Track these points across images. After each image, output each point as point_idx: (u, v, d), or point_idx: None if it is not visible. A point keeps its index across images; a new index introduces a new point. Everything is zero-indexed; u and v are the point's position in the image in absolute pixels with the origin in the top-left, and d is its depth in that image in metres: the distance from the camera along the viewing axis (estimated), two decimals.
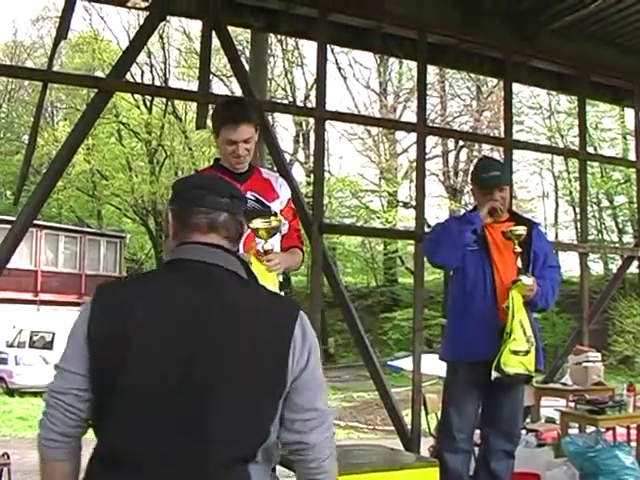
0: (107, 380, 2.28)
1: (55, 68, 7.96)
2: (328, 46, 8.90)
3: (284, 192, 4.81)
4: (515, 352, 5.05)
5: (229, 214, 2.59)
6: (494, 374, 5.04)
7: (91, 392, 2.32)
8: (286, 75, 40.27)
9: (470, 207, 5.95)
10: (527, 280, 5.13)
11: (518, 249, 5.21)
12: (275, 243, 4.58)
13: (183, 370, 2.27)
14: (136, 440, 2.24)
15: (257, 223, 4.27)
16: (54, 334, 26.40)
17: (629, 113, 22.07)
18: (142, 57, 39.03)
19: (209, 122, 6.60)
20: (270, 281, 4.26)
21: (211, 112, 5.20)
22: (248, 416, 2.33)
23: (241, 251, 4.46)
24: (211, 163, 4.98)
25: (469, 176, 7.73)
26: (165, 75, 42.09)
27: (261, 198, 4.64)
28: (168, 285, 2.41)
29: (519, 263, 5.22)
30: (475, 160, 37.93)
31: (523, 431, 7.53)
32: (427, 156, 30.65)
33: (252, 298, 2.46)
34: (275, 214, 4.56)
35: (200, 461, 2.24)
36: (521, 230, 5.23)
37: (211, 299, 2.36)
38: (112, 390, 2.26)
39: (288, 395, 2.41)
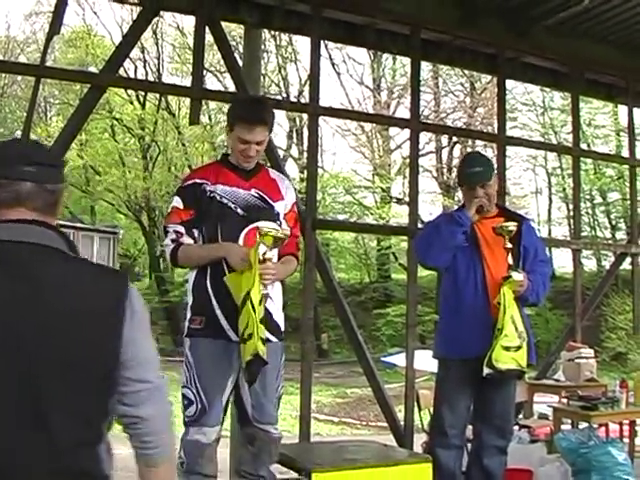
0: None
1: (48, 63, 7.95)
2: (322, 42, 8.90)
3: (290, 196, 4.85)
4: (507, 348, 5.06)
5: (35, 183, 2.38)
6: (486, 370, 5.05)
7: None
8: (280, 71, 40.19)
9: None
10: (518, 276, 5.13)
11: (509, 245, 5.22)
12: (274, 251, 4.61)
13: (11, 360, 2.20)
14: None
15: (267, 226, 4.29)
16: None
17: (622, 110, 22.04)
18: (136, 53, 38.89)
19: (203, 118, 6.60)
20: (257, 289, 4.30)
21: (229, 106, 5.21)
22: (85, 397, 2.27)
23: (241, 243, 4.49)
24: (208, 158, 5.02)
25: None
26: (159, 71, 41.97)
27: (265, 197, 4.66)
28: None
29: (510, 259, 5.23)
30: None
31: (516, 427, 7.55)
32: (420, 152, 30.56)
33: (74, 274, 2.35)
34: (276, 219, 4.60)
35: (44, 449, 2.19)
36: (512, 226, 5.24)
37: (23, 282, 2.24)
38: None
39: (120, 369, 2.34)
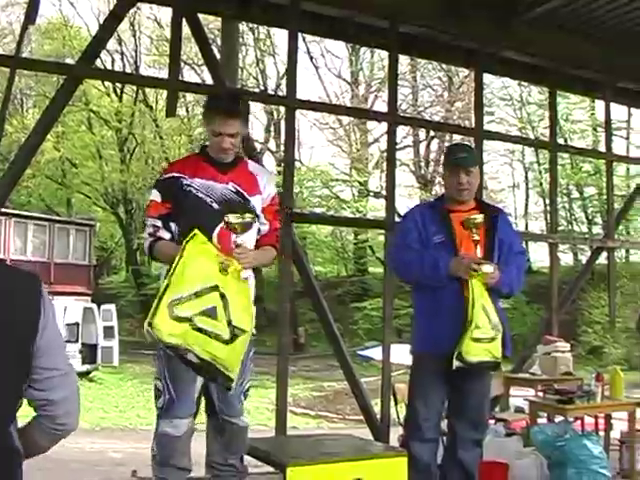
0: None
1: (25, 55, 7.90)
2: (300, 35, 8.87)
3: (268, 189, 4.82)
4: (478, 340, 5.04)
5: None
6: (456, 363, 5.03)
7: None
8: (258, 64, 40.19)
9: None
10: (488, 268, 5.12)
11: (476, 237, 5.20)
12: (249, 240, 4.59)
13: None
14: None
15: (231, 218, 4.32)
16: None
17: (600, 105, 22.15)
18: (113, 45, 38.87)
19: (180, 111, 6.57)
20: (246, 294, 4.30)
21: (205, 100, 5.21)
22: (2, 383, 2.45)
23: (215, 241, 4.46)
24: (185, 151, 5.00)
25: (440, 166, 7.78)
26: (136, 63, 41.89)
27: (241, 190, 4.65)
28: None
29: (479, 251, 5.21)
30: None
31: (492, 421, 7.56)
32: (398, 146, 30.67)
33: None
34: (250, 211, 4.57)
35: None
36: (479, 218, 5.22)
37: None
38: None
39: (33, 357, 2.50)
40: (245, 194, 4.66)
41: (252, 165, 4.93)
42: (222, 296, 4.23)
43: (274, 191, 4.90)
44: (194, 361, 4.21)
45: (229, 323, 4.23)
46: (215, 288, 4.23)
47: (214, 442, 4.68)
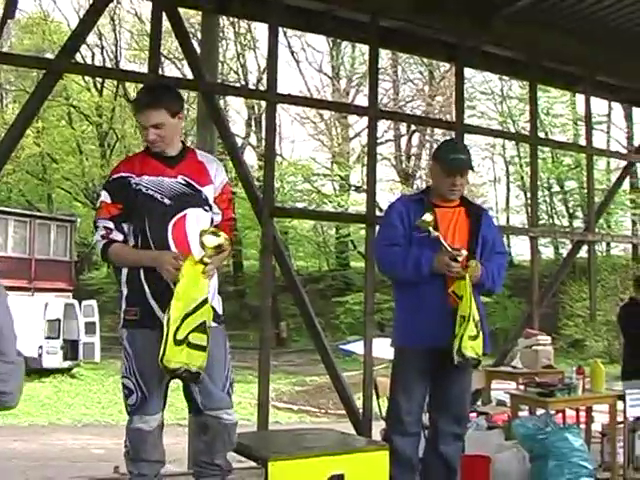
0: None
1: (4, 49, 7.85)
2: (281, 29, 8.87)
3: (220, 178, 4.75)
4: (470, 336, 5.07)
5: None
6: (457, 359, 5.03)
7: None
8: (238, 58, 40.10)
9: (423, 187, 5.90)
10: (472, 262, 5.13)
11: (435, 233, 5.18)
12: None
13: None
14: None
15: (207, 240, 4.27)
16: None
17: (580, 99, 22.26)
18: (93, 39, 38.71)
19: None
20: (204, 287, 4.29)
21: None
22: None
23: (172, 247, 4.44)
24: None
25: (421, 160, 7.76)
26: (116, 57, 41.75)
27: (192, 182, 4.59)
28: None
29: (445, 245, 5.18)
30: (428, 145, 38.23)
31: (473, 414, 7.57)
32: (379, 140, 30.71)
33: None
34: (220, 227, 4.55)
35: None
36: (428, 216, 5.19)
37: None
38: None
39: None
40: (196, 185, 4.59)
41: (201, 154, 4.86)
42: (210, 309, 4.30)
43: (226, 179, 4.83)
44: (187, 377, 4.27)
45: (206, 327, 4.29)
46: (205, 302, 4.27)
47: (199, 441, 4.66)
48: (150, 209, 4.45)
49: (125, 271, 4.55)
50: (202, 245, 4.28)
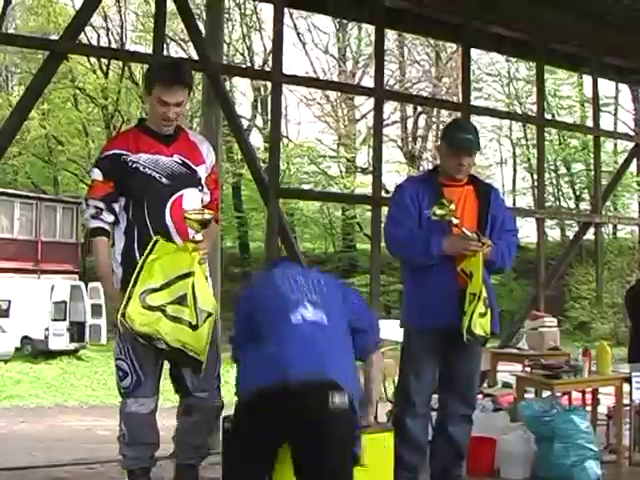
0: None
1: (10, 31, 7.82)
2: (287, 11, 8.82)
3: (210, 158, 4.75)
4: (480, 314, 5.05)
5: None
6: (466, 336, 5.02)
7: None
8: (244, 40, 39.98)
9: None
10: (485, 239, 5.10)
11: (455, 221, 5.13)
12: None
13: None
14: None
15: (191, 215, 4.33)
16: (10, 302, 26.05)
17: (587, 80, 22.17)
18: (99, 21, 38.56)
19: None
20: (186, 260, 4.32)
21: (147, 69, 5.13)
22: None
23: (170, 228, 4.43)
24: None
25: (427, 142, 7.72)
26: (122, 39, 41.59)
27: (187, 161, 4.57)
28: None
29: (467, 234, 5.13)
30: (434, 126, 38.12)
31: (479, 396, 7.56)
32: (385, 122, 30.59)
33: None
34: (208, 208, 4.56)
35: None
36: (452, 206, 5.13)
37: None
38: None
39: None
40: (191, 165, 4.58)
41: (192, 134, 4.87)
42: (192, 283, 4.28)
43: (215, 159, 4.86)
44: (165, 349, 4.26)
45: (196, 308, 4.27)
46: (188, 275, 4.28)
47: (184, 422, 4.64)
48: (149, 189, 4.43)
49: (120, 250, 4.52)
50: (187, 220, 4.33)
